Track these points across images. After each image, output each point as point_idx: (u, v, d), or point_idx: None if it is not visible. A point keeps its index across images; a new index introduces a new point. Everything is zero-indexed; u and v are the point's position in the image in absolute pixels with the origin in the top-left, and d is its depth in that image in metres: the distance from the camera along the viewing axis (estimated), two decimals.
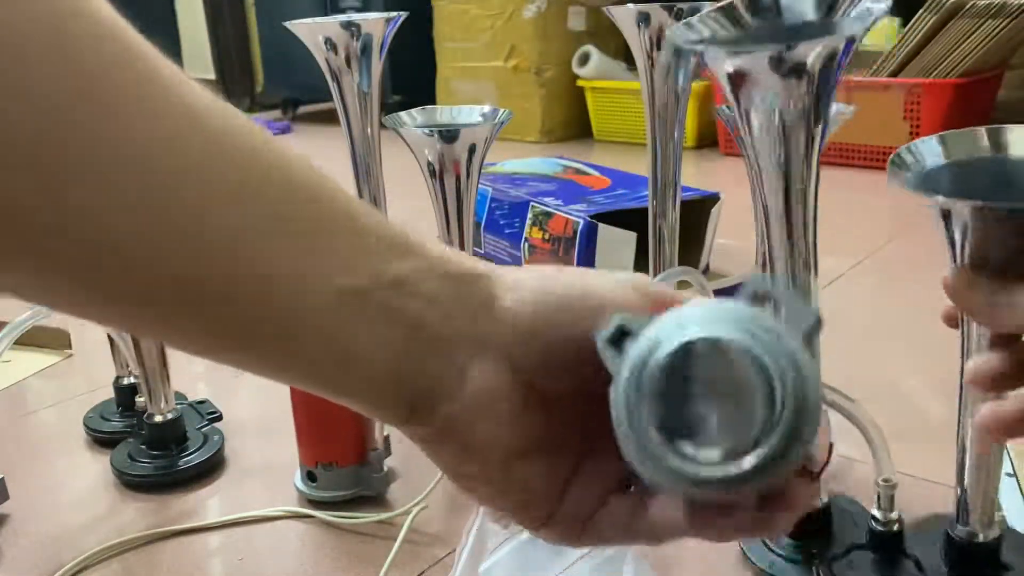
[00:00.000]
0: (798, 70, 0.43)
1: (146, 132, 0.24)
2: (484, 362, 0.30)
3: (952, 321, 0.47)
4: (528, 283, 0.31)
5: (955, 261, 0.40)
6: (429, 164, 0.59)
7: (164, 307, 0.26)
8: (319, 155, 0.32)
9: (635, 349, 0.27)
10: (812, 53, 0.42)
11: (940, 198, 0.39)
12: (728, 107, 0.52)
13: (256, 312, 0.27)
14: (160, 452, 0.80)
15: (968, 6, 1.76)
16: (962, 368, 0.49)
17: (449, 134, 0.58)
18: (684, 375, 0.26)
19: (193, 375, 1.01)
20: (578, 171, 1.50)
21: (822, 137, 0.47)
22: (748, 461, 0.25)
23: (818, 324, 0.27)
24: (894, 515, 0.58)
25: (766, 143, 0.46)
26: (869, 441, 0.57)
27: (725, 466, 0.25)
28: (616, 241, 1.18)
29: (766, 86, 0.43)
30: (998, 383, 0.39)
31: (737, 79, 0.44)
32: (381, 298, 0.29)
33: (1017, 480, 0.70)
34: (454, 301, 0.30)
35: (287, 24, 0.75)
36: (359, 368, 0.29)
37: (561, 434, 0.32)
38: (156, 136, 0.24)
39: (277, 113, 3.04)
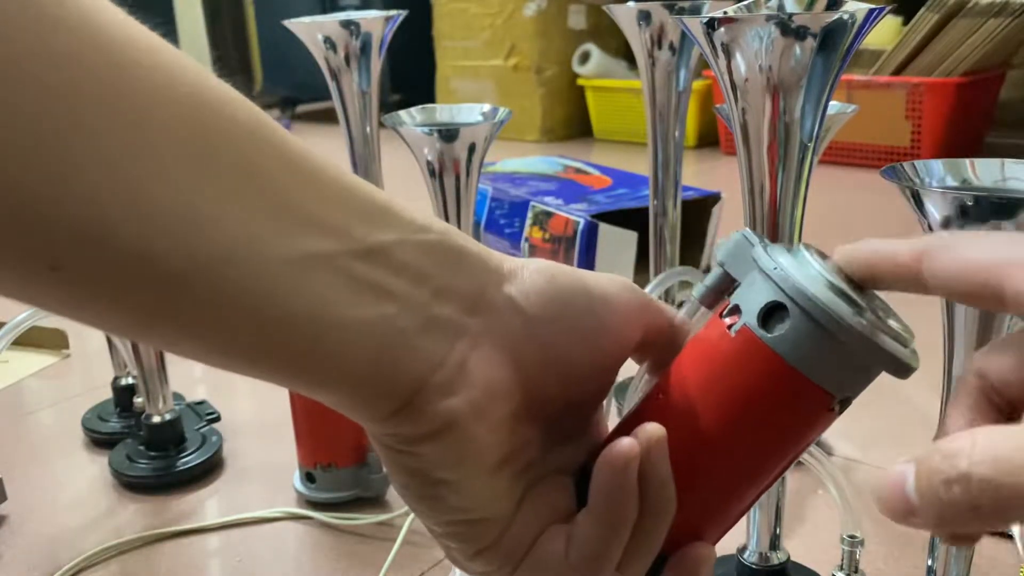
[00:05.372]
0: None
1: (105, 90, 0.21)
2: (487, 353, 0.28)
3: None
4: (528, 274, 0.29)
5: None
6: (428, 163, 0.59)
7: (115, 282, 0.22)
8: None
9: (797, 255, 0.30)
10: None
11: None
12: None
13: (208, 287, 0.23)
14: (158, 453, 0.79)
15: (970, 5, 1.76)
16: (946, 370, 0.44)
17: (449, 133, 0.58)
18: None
19: (192, 376, 1.00)
20: (578, 170, 1.50)
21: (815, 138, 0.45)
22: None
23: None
24: None
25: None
26: (841, 496, 0.53)
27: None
28: (617, 241, 1.18)
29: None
30: None
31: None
32: (357, 265, 0.25)
33: None
34: (446, 280, 0.27)
35: (286, 23, 0.75)
36: (331, 341, 0.25)
37: (531, 447, 0.30)
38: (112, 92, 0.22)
39: (276, 112, 3.04)
